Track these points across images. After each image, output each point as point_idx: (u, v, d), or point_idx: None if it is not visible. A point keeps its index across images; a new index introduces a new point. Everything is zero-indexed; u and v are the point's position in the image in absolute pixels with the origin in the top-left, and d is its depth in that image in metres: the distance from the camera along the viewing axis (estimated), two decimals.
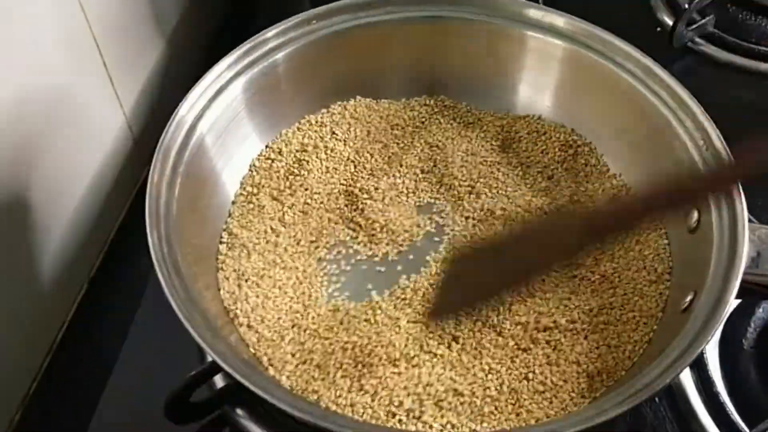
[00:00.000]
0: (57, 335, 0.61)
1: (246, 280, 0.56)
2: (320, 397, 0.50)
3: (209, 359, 0.49)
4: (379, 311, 0.55)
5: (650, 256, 0.58)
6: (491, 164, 0.65)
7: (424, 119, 0.69)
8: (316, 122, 0.67)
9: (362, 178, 0.64)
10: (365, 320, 0.55)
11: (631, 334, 0.54)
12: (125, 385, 0.59)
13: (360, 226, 0.61)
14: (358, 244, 0.61)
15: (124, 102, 0.68)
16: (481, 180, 0.64)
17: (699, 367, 0.56)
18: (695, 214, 0.55)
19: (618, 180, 0.64)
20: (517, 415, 0.51)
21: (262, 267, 0.57)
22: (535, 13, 0.65)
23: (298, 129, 0.66)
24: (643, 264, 0.58)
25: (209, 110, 0.58)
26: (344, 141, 0.66)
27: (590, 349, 0.54)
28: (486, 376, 0.52)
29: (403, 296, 0.57)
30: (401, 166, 0.65)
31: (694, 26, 0.78)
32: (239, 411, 0.53)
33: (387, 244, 0.61)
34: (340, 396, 0.50)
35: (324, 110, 0.68)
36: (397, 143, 0.67)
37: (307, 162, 0.64)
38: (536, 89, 0.68)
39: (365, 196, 0.62)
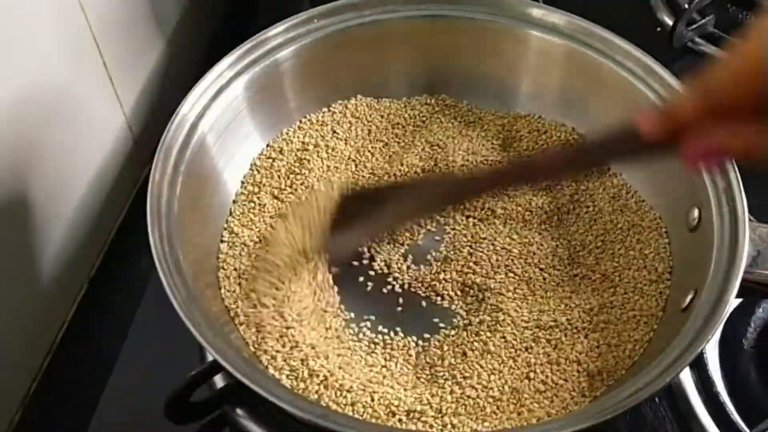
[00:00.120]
0: (57, 335, 0.61)
1: (246, 279, 0.56)
2: (321, 396, 0.50)
3: (209, 359, 0.49)
4: None
5: (651, 255, 0.58)
6: (492, 163, 0.65)
7: (424, 118, 0.69)
8: (317, 121, 0.67)
9: (363, 177, 0.64)
10: None
11: (632, 333, 0.54)
12: (125, 385, 0.59)
13: None
14: None
15: (124, 102, 0.68)
16: None
17: (699, 367, 0.56)
18: (696, 213, 0.55)
19: (618, 179, 0.64)
20: (519, 414, 0.51)
21: None
22: (536, 12, 0.65)
23: (299, 128, 0.66)
24: (644, 263, 0.58)
25: (210, 109, 0.58)
26: (345, 140, 0.66)
27: (591, 348, 0.54)
28: (489, 376, 0.52)
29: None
30: (402, 165, 0.65)
31: (694, 26, 0.78)
32: (239, 411, 0.53)
33: (388, 243, 0.61)
34: (340, 395, 0.50)
35: (325, 109, 0.68)
36: (398, 142, 0.67)
37: (308, 161, 0.64)
38: (537, 88, 0.68)
39: None
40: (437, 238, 0.62)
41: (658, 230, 0.59)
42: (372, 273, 0.60)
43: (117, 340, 0.62)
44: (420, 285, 0.59)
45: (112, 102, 0.66)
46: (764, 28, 0.34)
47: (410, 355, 0.55)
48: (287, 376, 0.51)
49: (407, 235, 0.61)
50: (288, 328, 0.53)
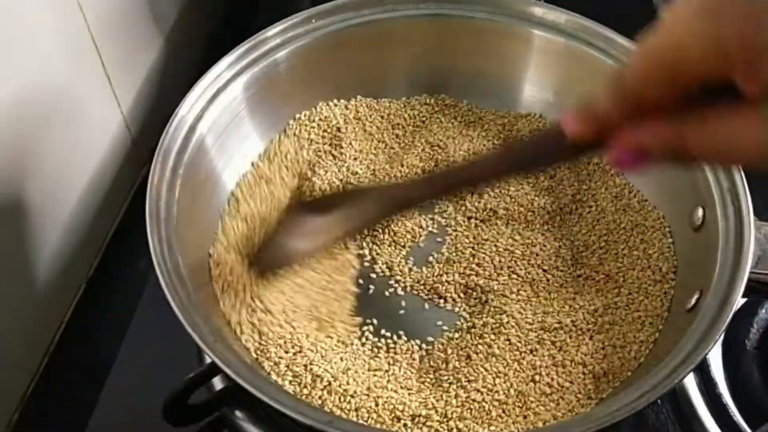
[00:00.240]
0: (55, 335, 0.61)
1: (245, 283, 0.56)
2: (324, 401, 0.50)
3: (208, 361, 0.48)
4: None
5: (655, 255, 0.58)
6: None
7: (425, 118, 0.69)
8: (317, 122, 0.66)
9: (363, 178, 0.64)
10: None
11: (637, 334, 0.54)
12: (123, 386, 0.59)
13: None
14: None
15: (122, 101, 0.67)
16: None
17: (702, 369, 0.56)
18: (700, 212, 0.55)
19: (621, 178, 0.63)
20: (525, 417, 0.50)
21: None
22: (537, 10, 0.64)
23: (299, 128, 0.66)
24: (648, 263, 0.57)
25: (209, 110, 0.58)
26: (345, 140, 0.66)
27: (596, 349, 0.53)
28: (494, 379, 0.52)
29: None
30: (402, 165, 0.65)
31: None
32: (238, 413, 0.53)
33: (389, 245, 0.60)
34: (344, 400, 0.50)
35: (325, 109, 0.67)
36: (398, 143, 0.67)
37: (308, 161, 0.63)
38: (538, 87, 0.67)
39: None
40: (439, 239, 0.61)
41: (661, 230, 0.59)
42: (374, 276, 0.59)
43: (115, 340, 0.62)
44: (422, 287, 0.58)
45: (110, 102, 0.66)
46: (671, 20, 0.32)
47: (414, 359, 0.54)
48: (290, 381, 0.51)
49: (408, 236, 0.61)
50: (291, 333, 0.53)
